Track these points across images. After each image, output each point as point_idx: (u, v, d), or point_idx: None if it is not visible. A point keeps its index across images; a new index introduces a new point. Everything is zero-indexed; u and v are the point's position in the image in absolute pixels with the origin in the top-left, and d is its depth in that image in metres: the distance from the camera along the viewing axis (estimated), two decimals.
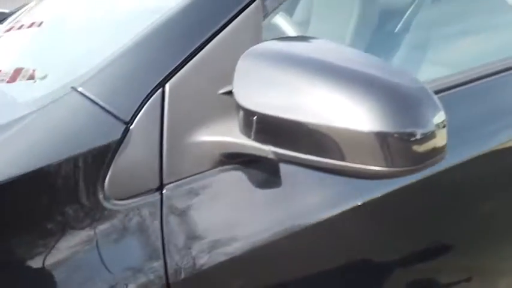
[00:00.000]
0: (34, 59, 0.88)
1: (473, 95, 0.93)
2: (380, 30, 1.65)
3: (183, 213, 0.63)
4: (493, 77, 0.95)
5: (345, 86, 0.53)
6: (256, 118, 0.57)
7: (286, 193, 0.68)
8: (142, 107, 0.61)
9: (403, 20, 1.75)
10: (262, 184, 0.67)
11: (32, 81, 0.80)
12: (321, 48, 0.60)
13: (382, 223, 0.78)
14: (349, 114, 0.52)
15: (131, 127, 0.60)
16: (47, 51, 0.91)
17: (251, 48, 0.61)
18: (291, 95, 0.55)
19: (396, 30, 1.73)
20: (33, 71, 0.82)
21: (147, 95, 0.61)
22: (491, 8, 1.51)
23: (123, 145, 0.60)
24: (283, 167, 0.65)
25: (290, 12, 1.78)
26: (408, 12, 1.76)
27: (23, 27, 1.05)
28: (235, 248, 0.64)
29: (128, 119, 0.60)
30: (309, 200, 0.69)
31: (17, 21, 1.10)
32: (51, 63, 0.84)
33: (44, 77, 0.80)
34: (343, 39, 1.61)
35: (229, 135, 0.63)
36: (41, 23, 1.04)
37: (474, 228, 0.92)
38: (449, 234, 0.88)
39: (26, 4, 1.27)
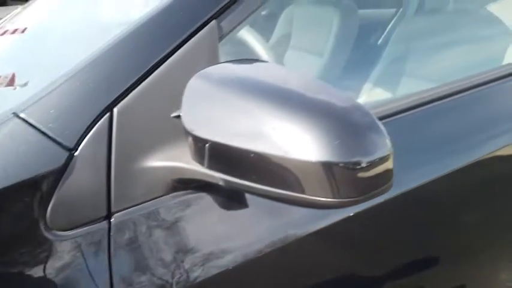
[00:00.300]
0: (15, 65, 0.86)
1: (455, 107, 0.92)
2: (360, 43, 1.65)
3: (133, 243, 0.60)
4: (476, 89, 0.95)
5: (292, 113, 0.51)
6: (203, 144, 0.55)
7: (240, 219, 0.66)
8: (88, 132, 0.58)
9: (384, 33, 1.75)
10: (217, 210, 0.65)
11: (11, 87, 0.78)
12: (270, 73, 0.58)
13: (367, 233, 0.77)
14: (296, 143, 0.50)
15: (76, 154, 0.58)
16: (28, 57, 0.89)
17: (200, 72, 0.59)
18: (238, 121, 0.53)
19: (377, 43, 1.73)
20: (14, 76, 0.80)
21: (94, 120, 0.59)
22: (474, 20, 1.51)
23: (66, 173, 0.57)
24: (239, 193, 0.62)
25: (271, 26, 1.78)
26: (389, 26, 1.77)
27: (7, 33, 1.03)
28: (191, 278, 0.61)
29: (72, 145, 0.58)
30: (266, 225, 0.67)
31: (1, 28, 1.08)
32: (33, 69, 0.82)
33: (25, 84, 0.78)
34: (323, 52, 1.61)
35: (182, 160, 0.61)
36: (25, 29, 1.03)
37: (459, 240, 0.92)
38: (433, 246, 0.87)
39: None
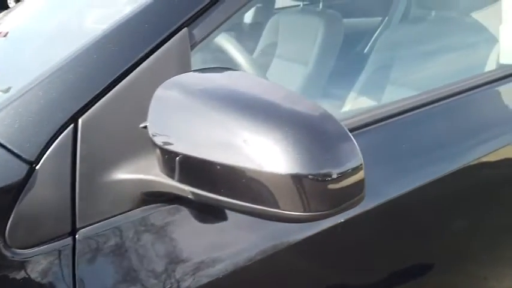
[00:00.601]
0: None
1: (436, 115, 0.91)
2: (346, 52, 1.65)
3: (99, 260, 0.57)
4: (459, 96, 0.93)
5: (261, 124, 0.49)
6: (171, 157, 0.53)
7: (216, 233, 0.63)
8: (51, 144, 0.56)
9: (369, 42, 1.75)
10: (191, 223, 0.62)
11: None
12: (241, 82, 0.56)
13: (356, 241, 0.75)
14: (266, 155, 0.48)
15: (37, 167, 0.55)
16: (11, 62, 0.86)
17: (167, 81, 0.57)
18: (208, 133, 0.51)
19: (363, 51, 1.73)
20: None
21: (57, 131, 0.56)
22: (459, 28, 1.51)
23: (27, 187, 0.54)
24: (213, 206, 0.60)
25: (257, 34, 1.77)
26: (374, 35, 1.77)
27: None
28: None
29: (33, 158, 0.55)
30: (243, 239, 0.64)
31: None
32: (16, 75, 0.79)
33: (7, 90, 0.75)
34: (308, 61, 1.60)
35: (152, 173, 0.59)
36: (7, 33, 1.00)
37: (447, 248, 0.90)
38: (420, 255, 0.86)
39: None
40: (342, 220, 0.70)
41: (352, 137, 0.50)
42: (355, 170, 0.48)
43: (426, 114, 0.88)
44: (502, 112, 1.00)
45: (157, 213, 0.61)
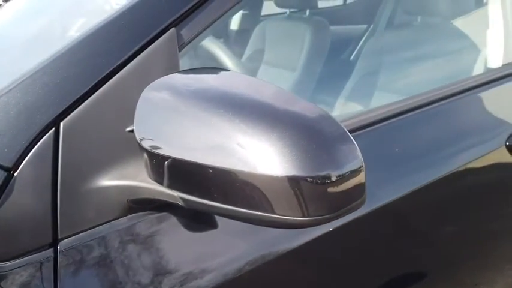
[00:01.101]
0: None
1: (423, 120, 0.90)
2: (333, 58, 1.65)
3: (82, 272, 0.54)
4: (447, 100, 0.93)
5: (256, 125, 0.46)
6: (160, 161, 0.50)
7: (208, 241, 0.60)
8: (30, 150, 0.52)
9: (356, 48, 1.75)
10: (181, 231, 0.59)
11: None
12: (232, 82, 0.54)
13: (347, 249, 0.73)
14: (261, 157, 0.45)
15: (15, 174, 0.52)
16: None
17: (154, 82, 0.54)
18: (198, 135, 0.49)
19: (349, 58, 1.73)
20: None
21: (36, 136, 0.53)
22: (442, 35, 1.52)
23: (4, 196, 0.51)
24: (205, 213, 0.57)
25: (244, 41, 1.76)
26: (361, 41, 1.78)
27: None
28: None
29: (10, 164, 0.51)
30: (237, 246, 0.62)
31: None
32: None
33: None
34: (296, 67, 1.60)
35: (139, 179, 0.56)
36: None
37: (436, 253, 0.89)
38: (411, 261, 0.84)
39: None
40: (331, 229, 0.68)
41: (352, 138, 0.48)
42: (355, 172, 0.46)
43: (413, 119, 0.87)
44: (490, 116, 1.00)
45: (145, 222, 0.58)
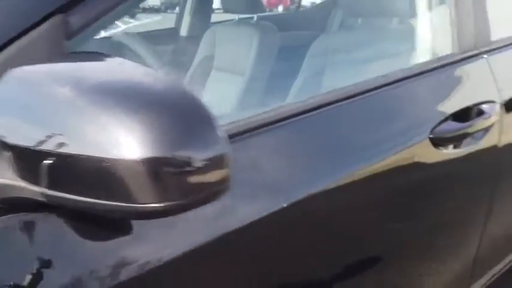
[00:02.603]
0: None
1: (342, 114, 0.88)
2: (282, 62, 1.66)
3: None
4: (366, 95, 0.91)
5: (109, 106, 0.42)
6: (13, 153, 0.46)
7: (87, 243, 0.55)
8: None
9: (304, 53, 1.77)
10: (52, 235, 0.54)
11: None
12: (86, 64, 0.50)
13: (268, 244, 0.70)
14: (113, 139, 0.41)
15: None
16: None
17: (10, 71, 0.49)
18: (45, 121, 0.44)
19: (298, 61, 1.74)
20: None
21: None
22: (390, 36, 1.55)
23: None
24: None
25: (195, 44, 1.75)
26: (310, 46, 1.80)
27: None
28: None
29: None
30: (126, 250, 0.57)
31: None
32: None
33: None
34: (244, 71, 1.60)
35: (4, 176, 0.49)
36: None
37: (377, 249, 0.88)
38: (348, 257, 0.83)
39: None
40: (257, 218, 0.65)
41: (215, 121, 0.44)
42: (218, 158, 0.43)
43: (334, 112, 0.85)
44: (414, 110, 1.00)
45: (14, 224, 0.52)
